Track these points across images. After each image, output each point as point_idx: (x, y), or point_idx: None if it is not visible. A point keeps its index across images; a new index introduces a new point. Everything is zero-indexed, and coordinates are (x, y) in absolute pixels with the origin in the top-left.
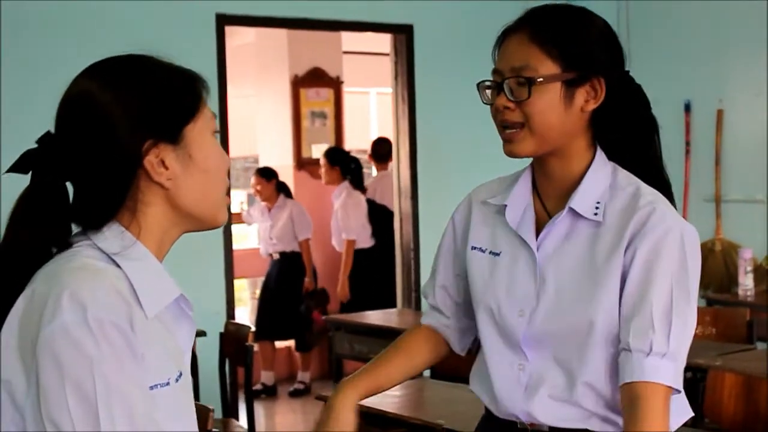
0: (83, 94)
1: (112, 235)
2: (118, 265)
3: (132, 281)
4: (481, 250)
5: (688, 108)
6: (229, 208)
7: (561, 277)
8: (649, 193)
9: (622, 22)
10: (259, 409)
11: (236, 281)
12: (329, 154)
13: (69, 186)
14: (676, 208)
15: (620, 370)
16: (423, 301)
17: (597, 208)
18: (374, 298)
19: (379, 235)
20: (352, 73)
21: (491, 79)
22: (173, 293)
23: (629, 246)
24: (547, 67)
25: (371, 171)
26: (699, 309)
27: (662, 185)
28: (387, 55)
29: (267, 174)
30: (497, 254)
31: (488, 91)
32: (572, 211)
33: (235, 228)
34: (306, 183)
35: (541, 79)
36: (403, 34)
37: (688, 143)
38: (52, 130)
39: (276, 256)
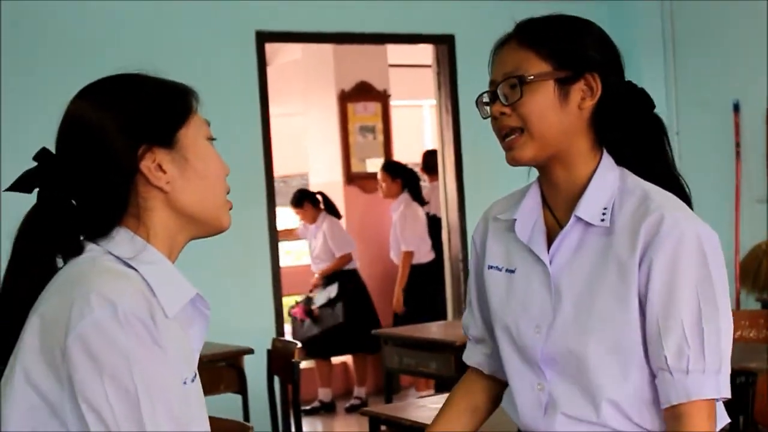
0: (75, 113)
1: (123, 241)
2: (134, 269)
3: (150, 283)
4: (497, 268)
5: (737, 108)
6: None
7: (576, 290)
8: (659, 197)
9: (666, 22)
10: (317, 425)
11: (290, 298)
12: (388, 167)
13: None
14: (692, 210)
15: (662, 391)
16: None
17: (604, 214)
18: (434, 312)
19: (439, 249)
20: (401, 85)
21: (487, 91)
22: (190, 292)
23: (644, 256)
24: (538, 66)
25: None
26: (753, 312)
27: (676, 187)
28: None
29: (298, 201)
30: (512, 271)
31: (486, 105)
32: (580, 219)
33: (290, 245)
34: (357, 198)
35: (531, 77)
36: (444, 45)
37: (738, 144)
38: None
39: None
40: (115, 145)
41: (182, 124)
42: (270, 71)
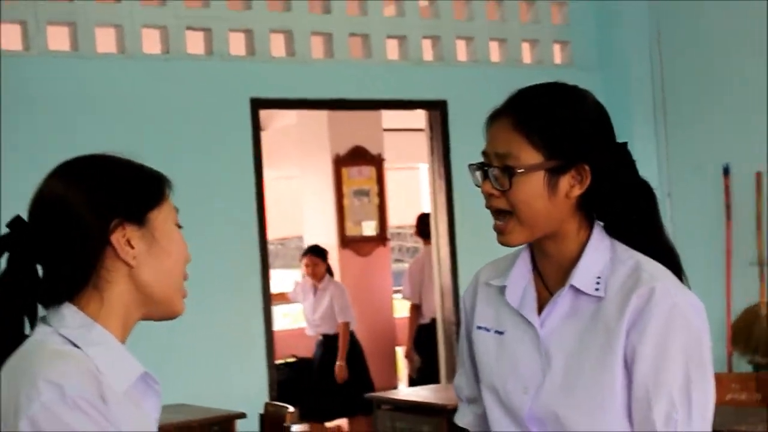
0: (45, 191)
1: (71, 319)
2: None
3: (96, 364)
4: (486, 329)
5: (726, 172)
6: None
7: (565, 354)
8: (650, 267)
9: (657, 85)
10: None
11: (285, 361)
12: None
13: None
14: (683, 278)
15: None
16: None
17: (598, 283)
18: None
19: None
20: (397, 149)
21: (481, 161)
22: (137, 371)
23: (634, 325)
24: (530, 156)
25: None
26: (744, 375)
27: (667, 255)
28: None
29: (321, 253)
30: (501, 333)
31: (478, 173)
32: (573, 288)
33: (287, 307)
34: (351, 261)
35: (521, 170)
36: (437, 110)
37: (728, 207)
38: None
39: (320, 338)
40: (86, 218)
41: (154, 207)
42: (266, 135)
